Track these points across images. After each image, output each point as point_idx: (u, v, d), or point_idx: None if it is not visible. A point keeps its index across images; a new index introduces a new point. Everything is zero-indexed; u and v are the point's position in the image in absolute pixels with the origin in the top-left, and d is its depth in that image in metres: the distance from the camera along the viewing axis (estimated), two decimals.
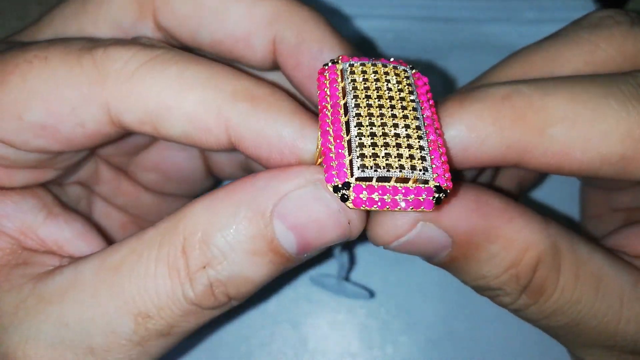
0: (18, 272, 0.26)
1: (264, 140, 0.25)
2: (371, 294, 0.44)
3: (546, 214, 0.28)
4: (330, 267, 0.44)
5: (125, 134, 0.28)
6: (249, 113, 0.25)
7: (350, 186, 0.22)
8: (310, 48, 0.28)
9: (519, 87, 0.26)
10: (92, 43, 0.26)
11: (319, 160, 0.25)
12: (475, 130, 0.25)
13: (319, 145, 0.24)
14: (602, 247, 0.28)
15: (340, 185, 0.22)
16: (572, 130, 0.25)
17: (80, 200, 0.35)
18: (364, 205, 0.23)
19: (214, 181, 0.41)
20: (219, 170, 0.39)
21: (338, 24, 0.48)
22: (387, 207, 0.23)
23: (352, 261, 0.44)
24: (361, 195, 0.23)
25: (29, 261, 0.27)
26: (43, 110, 0.25)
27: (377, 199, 0.23)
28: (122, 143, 0.35)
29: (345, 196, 0.23)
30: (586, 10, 0.32)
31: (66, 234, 0.29)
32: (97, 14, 0.29)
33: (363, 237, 0.44)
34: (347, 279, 0.43)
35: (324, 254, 0.43)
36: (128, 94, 0.25)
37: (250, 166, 0.38)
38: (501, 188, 0.39)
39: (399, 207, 0.23)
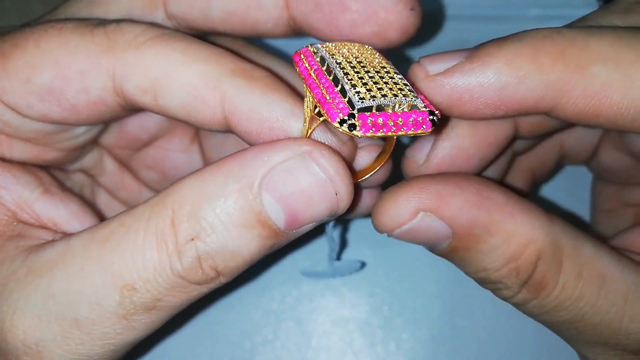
0: (12, 244, 0.27)
1: (256, 115, 0.26)
2: (362, 264, 0.44)
3: (553, 210, 0.28)
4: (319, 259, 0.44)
5: (126, 111, 0.28)
6: (245, 88, 0.26)
7: (355, 116, 0.23)
8: None
9: (560, 29, 0.25)
10: (106, 20, 0.28)
11: (308, 132, 0.26)
12: (513, 67, 0.24)
13: (307, 115, 0.25)
14: (609, 246, 0.28)
15: (345, 118, 0.23)
16: (614, 70, 0.24)
17: (84, 189, 0.36)
18: (371, 131, 0.23)
19: None
20: None
21: None
22: (392, 130, 0.24)
23: (343, 242, 0.44)
24: (367, 121, 0.23)
25: (24, 234, 0.28)
26: (52, 73, 0.26)
27: (381, 124, 0.23)
28: (124, 134, 0.35)
29: (353, 125, 0.23)
30: (590, 7, 0.32)
31: (61, 212, 0.30)
32: (107, 5, 0.30)
33: (364, 236, 0.44)
34: (338, 258, 0.43)
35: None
36: (134, 62, 0.26)
37: None
38: (511, 185, 0.38)
39: (402, 130, 0.24)
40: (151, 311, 0.25)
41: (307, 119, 0.26)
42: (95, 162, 0.35)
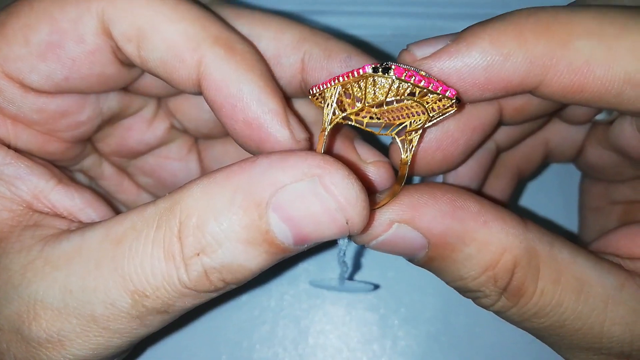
0: (28, 233, 0.27)
1: (225, 88, 0.26)
2: (374, 286, 0.44)
3: (538, 211, 0.28)
4: (331, 269, 0.45)
5: (123, 69, 0.29)
6: (222, 58, 0.26)
7: (392, 67, 0.24)
8: (339, 56, 0.30)
9: (543, 7, 0.26)
10: None
11: (322, 146, 0.26)
12: (498, 45, 0.25)
13: (327, 120, 0.26)
14: (587, 251, 0.28)
15: (379, 66, 0.23)
16: (597, 45, 0.24)
17: None
18: (405, 74, 0.24)
19: None
20: None
21: (339, 22, 0.48)
22: (423, 82, 0.24)
23: (356, 265, 0.45)
24: (403, 67, 0.24)
25: (40, 223, 0.28)
26: (48, 27, 0.27)
27: (416, 74, 0.24)
28: (122, 146, 0.35)
29: (388, 66, 0.23)
30: None
31: (76, 201, 0.30)
32: None
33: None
34: (350, 279, 0.43)
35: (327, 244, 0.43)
36: (122, 7, 0.26)
37: None
38: (487, 194, 0.39)
39: (432, 84, 0.24)
40: (164, 314, 0.26)
41: (326, 123, 0.25)
42: (94, 166, 0.36)
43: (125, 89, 0.32)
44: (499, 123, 0.31)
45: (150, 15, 0.26)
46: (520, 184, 0.42)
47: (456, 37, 0.26)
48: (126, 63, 0.29)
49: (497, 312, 0.28)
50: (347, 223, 0.23)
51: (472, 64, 0.25)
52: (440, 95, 0.25)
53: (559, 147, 0.39)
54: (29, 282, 0.26)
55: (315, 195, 0.23)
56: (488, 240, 0.26)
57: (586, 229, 0.41)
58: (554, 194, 0.45)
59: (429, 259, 0.27)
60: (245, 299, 0.44)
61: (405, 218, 0.26)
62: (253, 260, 0.24)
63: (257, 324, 0.44)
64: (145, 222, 0.25)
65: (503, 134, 0.36)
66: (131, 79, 0.31)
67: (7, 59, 0.27)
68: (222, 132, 0.36)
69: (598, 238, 0.31)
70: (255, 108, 0.27)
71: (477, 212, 0.26)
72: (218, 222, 0.23)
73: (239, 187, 0.23)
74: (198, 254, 0.24)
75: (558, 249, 0.27)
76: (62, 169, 0.33)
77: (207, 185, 0.24)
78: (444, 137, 0.30)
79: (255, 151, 0.28)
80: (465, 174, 0.36)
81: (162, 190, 0.39)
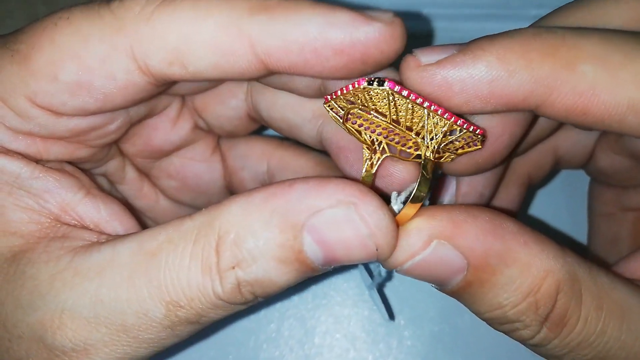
0: (56, 244, 0.27)
1: (292, 44, 0.25)
2: (391, 316, 0.44)
3: (535, 224, 0.27)
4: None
5: (161, 87, 0.28)
6: (268, 22, 0.25)
7: (386, 81, 0.24)
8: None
9: (551, 28, 0.26)
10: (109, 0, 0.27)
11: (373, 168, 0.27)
12: (504, 61, 0.24)
13: (368, 150, 0.27)
14: (622, 277, 0.27)
15: (372, 79, 0.24)
16: (603, 69, 0.24)
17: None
18: (404, 91, 0.24)
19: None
20: (239, 185, 0.39)
21: None
22: (426, 102, 0.25)
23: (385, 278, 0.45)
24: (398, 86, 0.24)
25: (68, 235, 0.28)
26: (75, 66, 0.26)
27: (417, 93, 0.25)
28: (148, 146, 0.35)
29: (381, 81, 0.24)
30: None
31: (103, 214, 0.30)
32: None
33: None
34: (380, 290, 0.43)
35: None
36: (149, 35, 0.25)
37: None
38: (504, 208, 0.38)
39: (440, 111, 0.25)
40: (195, 324, 0.26)
41: (370, 153, 0.26)
42: (117, 170, 0.36)
43: (151, 99, 0.32)
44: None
45: (180, 29, 0.25)
46: (529, 192, 0.41)
47: (462, 48, 0.26)
48: (165, 84, 0.28)
49: (537, 346, 0.26)
50: (376, 250, 0.24)
51: (477, 76, 0.25)
52: (465, 131, 0.25)
53: (569, 153, 0.38)
54: (57, 291, 0.26)
55: (349, 222, 0.24)
56: (530, 262, 0.25)
57: (596, 236, 0.40)
58: (559, 201, 0.45)
59: (465, 284, 0.25)
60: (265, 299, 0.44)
61: (446, 234, 0.25)
62: (283, 276, 0.25)
63: (263, 324, 0.44)
64: (182, 236, 0.25)
65: None
66: (165, 90, 0.31)
67: (37, 93, 0.26)
68: (246, 129, 0.36)
69: (616, 263, 0.30)
70: (334, 32, 0.24)
71: (516, 232, 0.25)
72: (255, 240, 0.24)
73: (276, 208, 0.24)
74: (234, 267, 0.25)
75: (596, 274, 0.26)
76: (87, 173, 0.33)
77: (246, 205, 0.25)
78: (487, 134, 0.29)
79: (358, 75, 0.26)
80: (479, 180, 0.35)
81: (184, 194, 0.39)
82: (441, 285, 0.27)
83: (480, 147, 0.28)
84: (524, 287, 0.25)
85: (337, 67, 0.25)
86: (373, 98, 0.25)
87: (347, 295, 0.44)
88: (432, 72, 0.25)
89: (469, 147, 0.28)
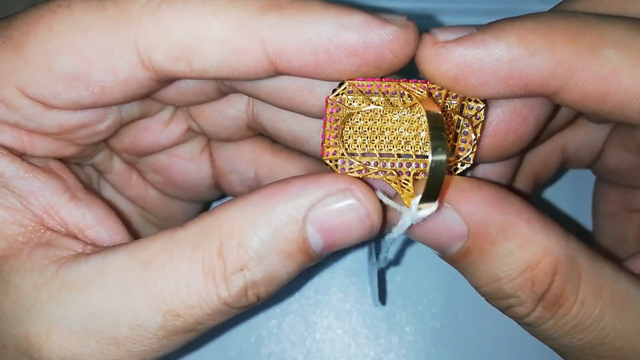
0: (40, 252, 0.27)
1: (304, 44, 0.24)
2: (382, 301, 0.44)
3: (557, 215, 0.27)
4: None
5: (161, 83, 0.27)
6: (281, 22, 0.24)
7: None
8: None
9: (573, 12, 0.25)
10: None
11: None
12: (525, 41, 0.24)
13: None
14: (628, 270, 0.27)
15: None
16: (627, 55, 0.24)
17: (92, 182, 0.35)
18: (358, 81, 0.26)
19: (219, 194, 0.41)
20: (227, 186, 0.39)
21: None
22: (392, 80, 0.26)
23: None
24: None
25: (52, 243, 0.27)
26: (73, 58, 0.25)
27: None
28: (135, 145, 0.35)
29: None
30: None
31: (87, 219, 0.29)
32: None
33: None
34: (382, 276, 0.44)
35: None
36: (155, 29, 0.24)
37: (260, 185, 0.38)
38: (520, 191, 0.37)
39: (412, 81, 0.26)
40: (190, 332, 0.26)
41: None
42: (104, 160, 0.35)
43: (148, 96, 0.31)
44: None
45: (188, 24, 0.24)
46: (536, 190, 0.41)
47: (482, 28, 0.25)
48: (166, 80, 0.27)
49: (532, 325, 0.27)
50: (371, 227, 0.26)
51: (497, 54, 0.24)
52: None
53: (577, 152, 0.38)
54: (43, 304, 0.25)
55: (349, 206, 0.25)
56: (530, 239, 0.25)
57: (602, 236, 0.40)
58: (564, 201, 0.45)
59: (465, 251, 0.26)
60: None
61: (450, 199, 0.26)
62: (286, 271, 0.26)
63: (265, 319, 0.44)
64: (178, 244, 0.25)
65: None
66: (163, 88, 0.30)
67: (28, 83, 0.25)
68: (242, 137, 0.36)
69: (625, 260, 0.30)
70: (348, 35, 0.24)
71: (521, 209, 0.26)
72: (260, 238, 0.25)
73: (277, 205, 0.25)
74: (241, 269, 0.25)
75: (599, 262, 0.26)
76: (73, 165, 0.32)
77: (245, 206, 0.25)
78: (513, 117, 0.28)
79: (372, 73, 0.25)
80: (494, 171, 0.34)
81: (171, 189, 0.38)
82: (442, 251, 0.27)
83: (482, 119, 0.27)
84: (521, 262, 0.25)
85: (348, 70, 0.25)
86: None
87: (348, 291, 0.44)
88: (450, 49, 0.24)
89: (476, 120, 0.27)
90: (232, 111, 0.33)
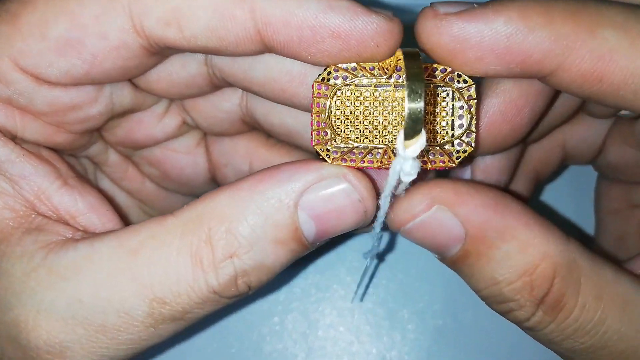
0: (30, 238, 0.27)
1: (291, 16, 0.24)
2: (358, 298, 0.44)
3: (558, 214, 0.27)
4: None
5: (150, 57, 0.27)
6: None
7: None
8: None
9: None
10: None
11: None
12: (524, 17, 0.24)
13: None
14: (630, 272, 0.27)
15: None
16: (623, 36, 0.24)
17: (89, 174, 0.35)
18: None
19: (215, 187, 0.41)
20: (223, 180, 0.39)
21: None
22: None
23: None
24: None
25: (42, 228, 0.27)
26: (66, 23, 0.25)
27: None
28: (129, 139, 0.35)
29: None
30: None
31: (79, 206, 0.29)
32: None
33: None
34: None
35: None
36: None
37: None
38: (518, 193, 0.37)
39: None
40: (178, 321, 0.26)
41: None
42: (99, 152, 0.35)
43: (140, 88, 0.31)
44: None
45: None
46: (536, 187, 0.41)
47: (483, 5, 0.25)
48: (156, 51, 0.27)
49: (533, 329, 0.27)
50: (364, 213, 0.26)
51: (496, 29, 0.24)
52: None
53: (578, 148, 0.38)
54: (32, 291, 0.25)
55: (342, 191, 0.25)
56: (529, 242, 0.25)
57: (604, 233, 0.40)
58: (566, 198, 0.45)
59: (463, 254, 0.26)
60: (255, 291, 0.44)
61: (447, 201, 0.26)
62: (278, 259, 0.25)
63: (267, 317, 0.44)
64: (167, 232, 0.25)
65: None
66: (153, 65, 0.29)
67: (23, 53, 0.26)
68: (235, 130, 0.35)
69: (626, 262, 0.30)
70: (332, 16, 0.24)
71: (519, 213, 0.26)
72: (250, 225, 0.24)
73: (267, 191, 0.25)
74: (231, 257, 0.25)
75: (600, 265, 0.26)
76: (68, 156, 0.32)
77: (235, 193, 0.25)
78: (508, 108, 0.28)
79: (353, 59, 0.26)
80: (495, 166, 0.34)
81: (167, 182, 0.38)
82: (441, 253, 0.27)
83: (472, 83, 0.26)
84: (519, 265, 0.25)
85: (330, 52, 0.25)
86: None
87: (350, 289, 0.44)
88: (450, 21, 0.25)
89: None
90: (226, 105, 0.33)
